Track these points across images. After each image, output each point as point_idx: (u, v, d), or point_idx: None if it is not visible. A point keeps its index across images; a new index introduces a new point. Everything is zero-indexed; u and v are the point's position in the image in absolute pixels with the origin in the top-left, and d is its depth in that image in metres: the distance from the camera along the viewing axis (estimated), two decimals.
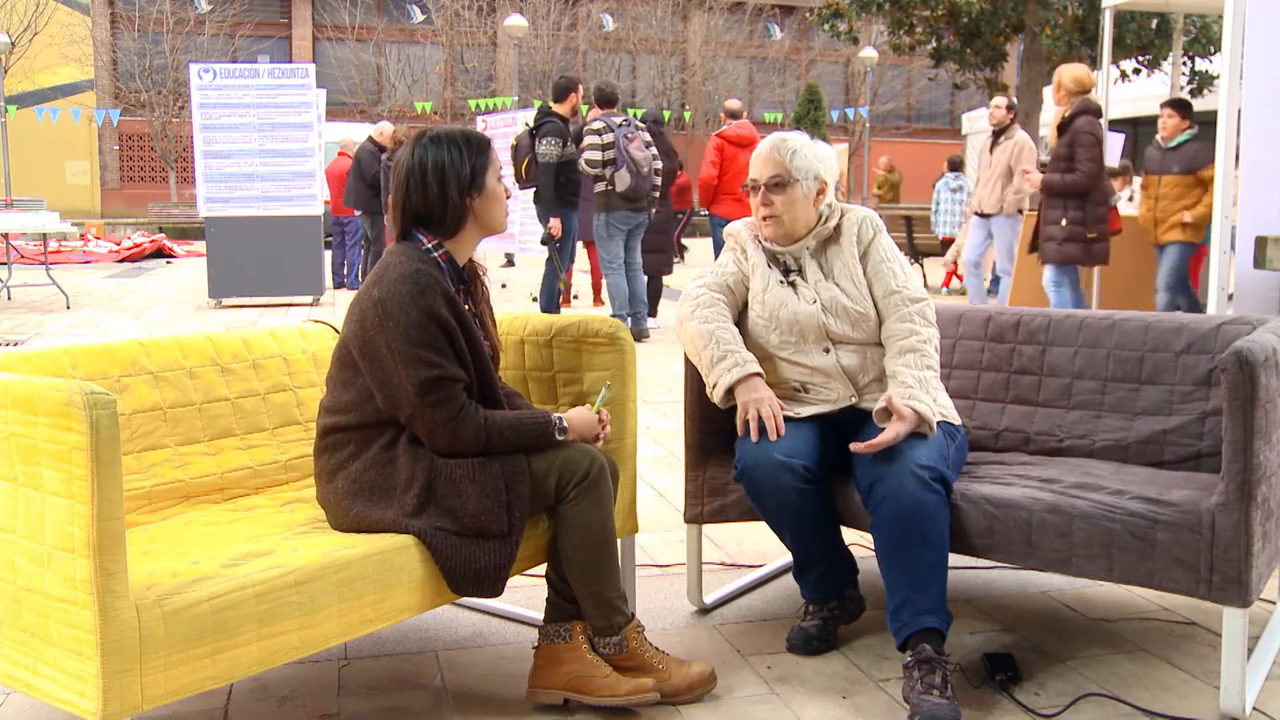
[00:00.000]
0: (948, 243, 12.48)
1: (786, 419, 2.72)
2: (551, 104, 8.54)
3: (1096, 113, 6.87)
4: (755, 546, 3.60)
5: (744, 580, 3.31)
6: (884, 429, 2.60)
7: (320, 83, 12.05)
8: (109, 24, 28.38)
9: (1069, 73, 6.98)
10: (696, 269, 8.94)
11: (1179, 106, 7.64)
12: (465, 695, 2.60)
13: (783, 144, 2.85)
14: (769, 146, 2.86)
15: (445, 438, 2.39)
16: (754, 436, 2.68)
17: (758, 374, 2.76)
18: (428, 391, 2.36)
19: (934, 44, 16.88)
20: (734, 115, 9.29)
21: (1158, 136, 7.66)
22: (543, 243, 8.67)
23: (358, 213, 12.15)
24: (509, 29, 23.09)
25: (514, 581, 2.53)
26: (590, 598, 2.51)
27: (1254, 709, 2.50)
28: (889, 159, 19.73)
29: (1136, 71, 15.79)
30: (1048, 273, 7.09)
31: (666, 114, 18.76)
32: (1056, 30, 14.88)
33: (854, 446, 2.60)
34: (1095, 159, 6.77)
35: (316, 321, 3.11)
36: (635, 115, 8.96)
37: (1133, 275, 7.76)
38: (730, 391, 2.75)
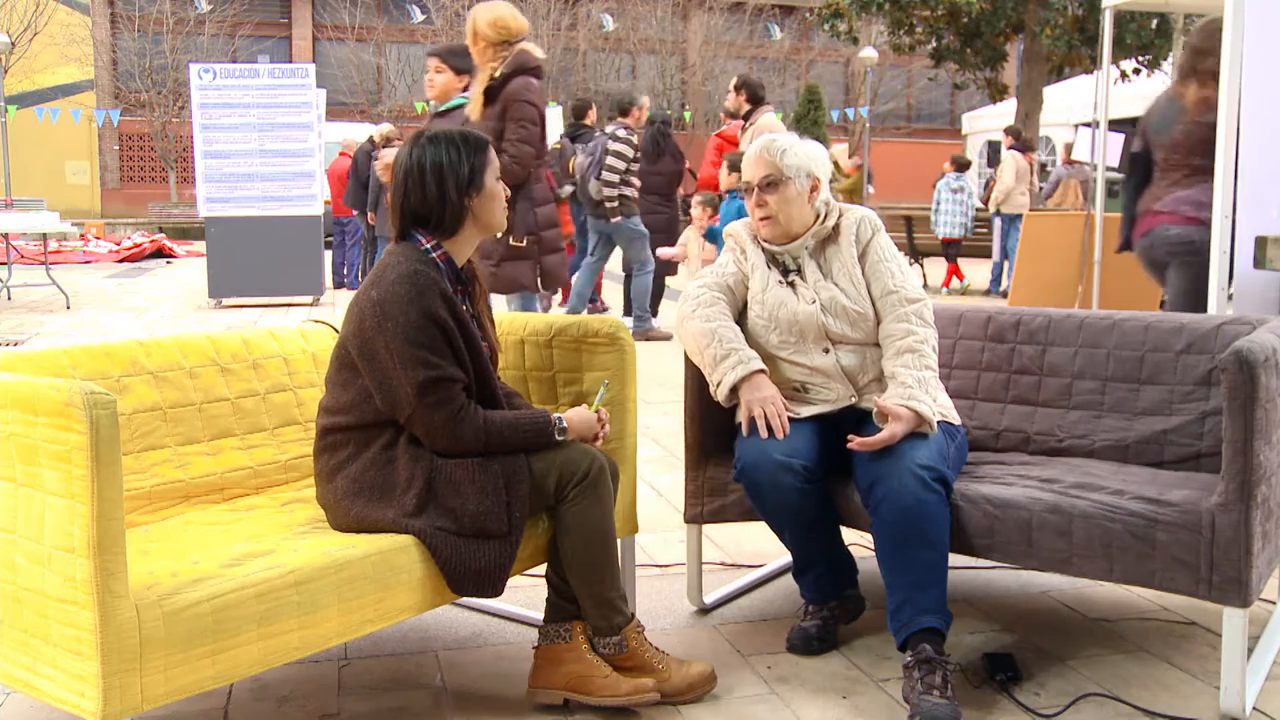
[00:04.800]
0: (948, 243, 12.49)
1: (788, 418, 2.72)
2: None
3: (537, 72, 4.73)
4: (755, 546, 3.60)
5: (744, 580, 3.31)
6: (883, 428, 2.60)
7: (320, 83, 12.04)
8: (109, 24, 28.35)
9: (487, 15, 4.69)
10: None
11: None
12: (465, 695, 2.60)
13: (772, 144, 2.87)
14: (759, 148, 2.88)
15: (444, 438, 2.39)
16: (762, 433, 2.68)
17: (761, 371, 2.76)
18: (426, 392, 2.36)
19: (934, 44, 16.88)
20: (734, 115, 9.31)
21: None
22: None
23: (356, 212, 12.16)
24: None
25: (514, 581, 2.53)
26: (590, 598, 2.51)
27: (1254, 709, 2.50)
28: (857, 160, 17.94)
29: (1136, 71, 15.80)
30: (511, 305, 4.99)
31: (669, 112, 18.69)
32: (1056, 30, 14.89)
33: (851, 441, 2.60)
34: (532, 139, 4.69)
35: (316, 321, 3.11)
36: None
37: (1133, 275, 7.74)
38: (734, 389, 2.75)
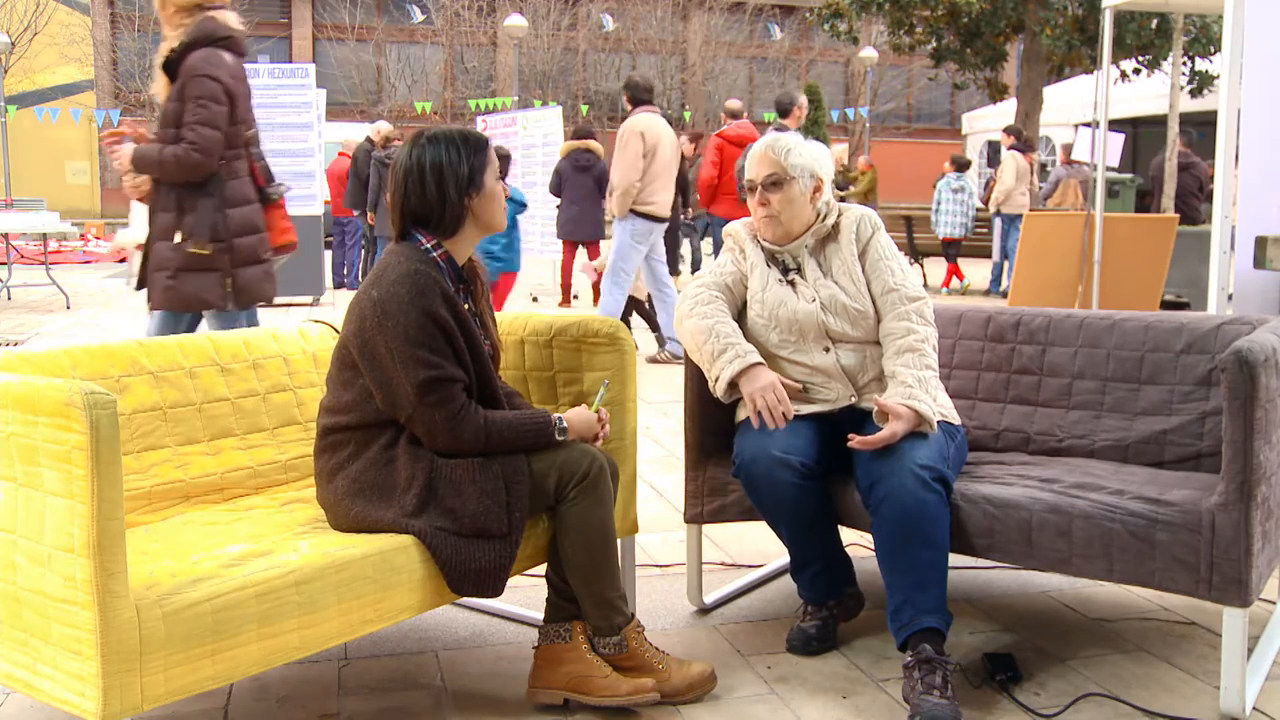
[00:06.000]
0: (948, 243, 12.50)
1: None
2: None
3: (230, 44, 3.91)
4: (755, 546, 3.60)
5: (744, 580, 3.31)
6: (884, 427, 2.60)
7: (320, 83, 12.03)
8: (109, 24, 28.36)
9: None
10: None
11: None
12: (465, 695, 2.60)
13: (777, 143, 2.87)
14: (764, 146, 2.88)
15: (445, 438, 2.39)
16: (770, 424, 2.67)
17: (759, 363, 2.76)
18: (427, 392, 2.36)
19: (934, 44, 16.86)
20: (734, 115, 9.31)
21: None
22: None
23: (356, 213, 12.15)
24: (509, 29, 23.09)
25: (514, 581, 2.53)
26: (590, 598, 2.51)
27: (1254, 709, 2.50)
28: (867, 158, 17.80)
29: (1136, 71, 15.78)
30: (209, 325, 4.04)
31: (669, 112, 18.67)
32: (1056, 30, 14.88)
33: (851, 440, 2.60)
34: (215, 120, 3.79)
35: (316, 321, 3.11)
36: None
37: (1133, 275, 7.75)
38: (733, 384, 2.75)
